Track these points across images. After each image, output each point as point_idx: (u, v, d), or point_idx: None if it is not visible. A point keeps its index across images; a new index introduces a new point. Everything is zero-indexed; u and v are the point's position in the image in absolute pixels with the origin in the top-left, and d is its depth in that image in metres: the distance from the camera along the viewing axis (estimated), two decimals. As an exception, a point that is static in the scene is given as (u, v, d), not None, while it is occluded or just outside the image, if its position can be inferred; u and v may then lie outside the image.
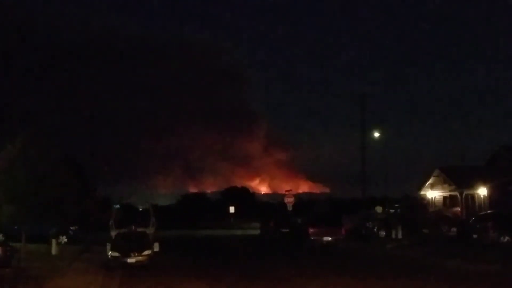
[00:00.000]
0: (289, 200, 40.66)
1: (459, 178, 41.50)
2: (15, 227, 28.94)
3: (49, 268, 20.52)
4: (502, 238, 26.69)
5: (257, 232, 44.08)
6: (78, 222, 36.46)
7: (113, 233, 24.34)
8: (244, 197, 68.62)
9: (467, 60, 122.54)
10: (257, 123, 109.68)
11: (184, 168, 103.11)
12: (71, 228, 34.84)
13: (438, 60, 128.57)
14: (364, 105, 45.84)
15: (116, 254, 21.30)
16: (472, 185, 39.70)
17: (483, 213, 33.38)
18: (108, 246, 22.27)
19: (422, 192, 46.01)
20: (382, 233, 34.78)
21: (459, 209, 40.22)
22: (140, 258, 21.25)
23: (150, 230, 25.24)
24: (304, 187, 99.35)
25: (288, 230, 37.53)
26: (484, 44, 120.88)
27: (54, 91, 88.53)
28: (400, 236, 33.18)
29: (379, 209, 39.93)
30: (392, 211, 38.56)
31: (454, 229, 34.75)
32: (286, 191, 44.90)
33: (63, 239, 32.62)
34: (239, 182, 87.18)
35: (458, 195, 41.39)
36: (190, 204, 66.33)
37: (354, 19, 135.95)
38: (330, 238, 31.96)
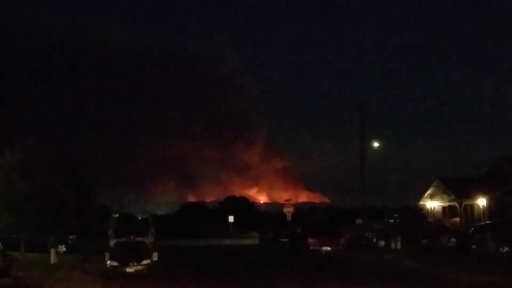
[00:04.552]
0: (288, 210, 40.63)
1: (458, 188, 41.45)
2: (14, 236, 28.98)
3: (48, 277, 20.46)
4: (501, 248, 26.52)
5: (256, 241, 44.01)
6: (77, 231, 36.47)
7: (112, 242, 24.34)
8: (243, 206, 68.54)
9: (468, 70, 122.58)
10: (255, 131, 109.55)
11: (183, 177, 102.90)
12: (70, 237, 34.84)
13: (438, 69, 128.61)
14: (363, 115, 45.94)
15: (115, 263, 21.26)
16: (471, 195, 39.64)
17: (482, 223, 33.28)
18: (107, 255, 22.26)
19: (421, 202, 45.97)
20: (381, 244, 34.70)
21: (458, 219, 40.14)
22: (139, 267, 21.20)
23: (149, 240, 25.25)
24: (303, 197, 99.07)
25: (287, 240, 37.47)
26: (485, 53, 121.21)
27: (52, 101, 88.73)
28: (399, 246, 33.11)
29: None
30: (391, 221, 38.48)
31: (453, 240, 34.64)
32: (285, 200, 44.90)
33: (62, 248, 32.61)
34: (237, 191, 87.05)
35: (457, 206, 41.36)
36: (189, 213, 66.22)
37: (354, 28, 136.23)
38: (329, 248, 31.91)
